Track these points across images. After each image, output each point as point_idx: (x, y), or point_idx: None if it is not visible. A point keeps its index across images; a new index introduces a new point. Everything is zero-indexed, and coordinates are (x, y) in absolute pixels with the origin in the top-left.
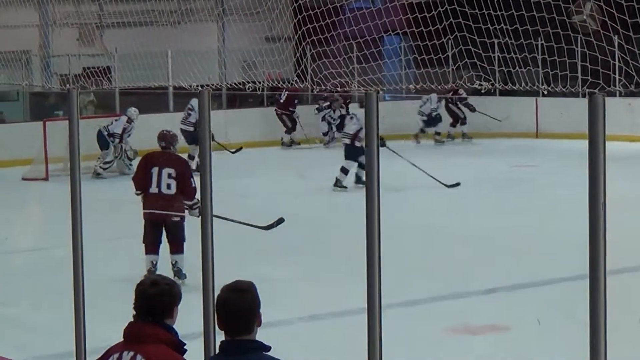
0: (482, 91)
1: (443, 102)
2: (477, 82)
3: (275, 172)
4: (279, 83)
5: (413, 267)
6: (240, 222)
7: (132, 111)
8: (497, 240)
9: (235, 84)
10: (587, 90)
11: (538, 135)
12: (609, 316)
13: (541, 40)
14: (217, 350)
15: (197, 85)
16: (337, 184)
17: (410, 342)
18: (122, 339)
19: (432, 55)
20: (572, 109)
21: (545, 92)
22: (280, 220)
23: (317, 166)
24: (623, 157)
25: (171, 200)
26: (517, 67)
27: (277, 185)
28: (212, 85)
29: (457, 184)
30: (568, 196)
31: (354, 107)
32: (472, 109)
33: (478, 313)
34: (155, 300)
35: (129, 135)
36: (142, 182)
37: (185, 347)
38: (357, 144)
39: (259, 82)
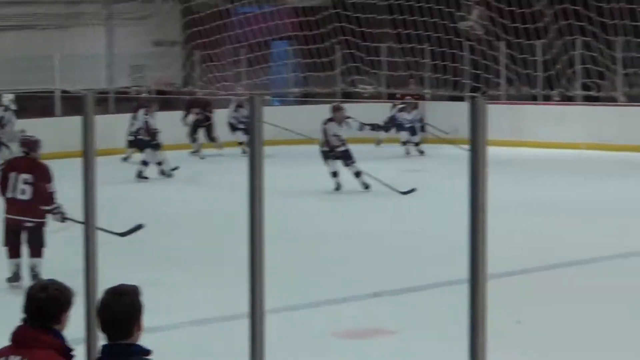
0: (365, 95)
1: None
2: (361, 86)
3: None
4: (166, 87)
5: (300, 272)
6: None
7: (8, 100)
8: (384, 244)
9: (121, 88)
10: (468, 94)
11: (427, 140)
12: (492, 320)
13: (429, 45)
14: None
15: (82, 89)
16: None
17: (296, 346)
18: (9, 343)
19: (318, 59)
20: (459, 113)
21: (429, 97)
22: (138, 227)
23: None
24: (505, 162)
25: (26, 205)
26: (403, 72)
27: (166, 190)
28: (98, 89)
29: (413, 190)
30: (454, 200)
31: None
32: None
33: (365, 317)
34: (43, 305)
35: (9, 125)
36: (2, 187)
37: (72, 352)
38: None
39: (145, 86)
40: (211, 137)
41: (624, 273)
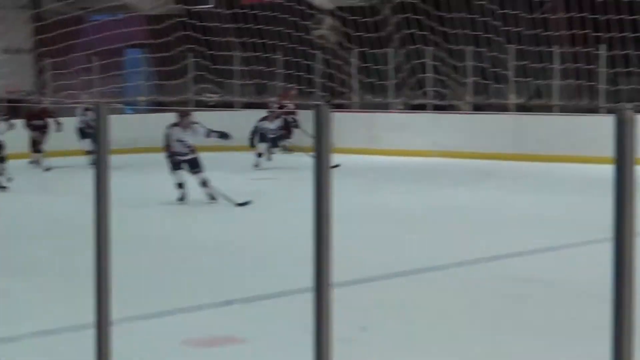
0: (210, 103)
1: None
2: (206, 95)
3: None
4: (15, 94)
5: (148, 281)
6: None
7: None
8: (232, 253)
9: None
10: (313, 102)
11: None
12: (338, 327)
13: (280, 55)
14: None
15: None
16: None
17: (144, 356)
18: None
19: (170, 67)
20: (310, 123)
21: (276, 106)
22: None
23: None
24: (359, 169)
25: None
26: (257, 80)
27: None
28: None
29: (248, 202)
30: (301, 209)
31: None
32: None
33: (215, 325)
34: None
35: None
36: None
37: None
38: None
39: None
40: (38, 149)
41: (469, 280)
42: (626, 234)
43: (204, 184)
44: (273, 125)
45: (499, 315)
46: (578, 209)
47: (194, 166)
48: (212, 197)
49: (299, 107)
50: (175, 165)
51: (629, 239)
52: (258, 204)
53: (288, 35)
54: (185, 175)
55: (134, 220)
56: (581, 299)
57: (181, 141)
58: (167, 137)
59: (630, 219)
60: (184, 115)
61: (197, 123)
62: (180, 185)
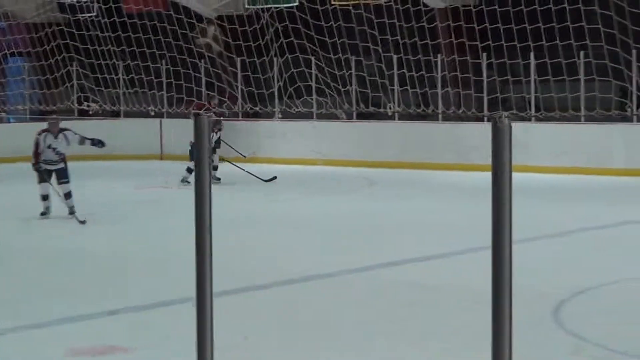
0: (90, 112)
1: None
2: (85, 104)
3: None
4: None
5: (28, 292)
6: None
7: None
8: (116, 262)
9: None
10: (193, 111)
11: (163, 157)
12: (221, 336)
13: (165, 64)
14: None
15: None
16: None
17: None
18: None
19: (50, 76)
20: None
21: (153, 114)
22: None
23: None
24: (242, 179)
25: None
26: (141, 89)
27: None
28: None
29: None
30: (190, 218)
31: None
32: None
33: (99, 335)
34: None
35: None
36: None
37: None
38: None
39: None
40: None
41: (356, 287)
42: (503, 239)
43: (68, 195)
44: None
45: (385, 321)
46: (463, 216)
47: (62, 176)
48: (72, 212)
49: (221, 116)
50: (43, 175)
51: (507, 244)
52: (141, 213)
53: (171, 45)
54: (50, 187)
55: (20, 231)
56: (467, 304)
57: (53, 148)
58: (37, 144)
59: (507, 224)
60: (53, 121)
61: (68, 130)
62: (45, 198)
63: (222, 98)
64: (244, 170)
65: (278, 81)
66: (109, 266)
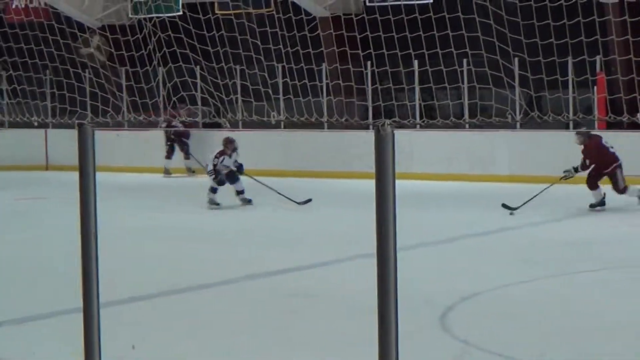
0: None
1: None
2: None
3: None
4: None
5: None
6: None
7: None
8: (5, 272)
9: None
10: (77, 121)
11: (48, 167)
12: (111, 346)
13: (50, 74)
14: None
15: None
16: None
17: None
18: None
19: None
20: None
21: (36, 124)
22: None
23: None
24: (129, 188)
25: None
26: (24, 100)
27: None
28: None
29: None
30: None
31: None
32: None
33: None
34: None
35: None
36: None
37: None
38: None
39: None
40: None
41: (240, 297)
42: (388, 246)
43: None
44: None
45: (270, 330)
46: (346, 224)
47: None
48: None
49: (190, 125)
50: None
51: (392, 251)
52: (24, 223)
53: (55, 55)
54: None
55: None
56: (348, 312)
57: None
58: None
59: (391, 231)
60: None
61: None
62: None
63: (191, 107)
64: (275, 191)
65: (164, 90)
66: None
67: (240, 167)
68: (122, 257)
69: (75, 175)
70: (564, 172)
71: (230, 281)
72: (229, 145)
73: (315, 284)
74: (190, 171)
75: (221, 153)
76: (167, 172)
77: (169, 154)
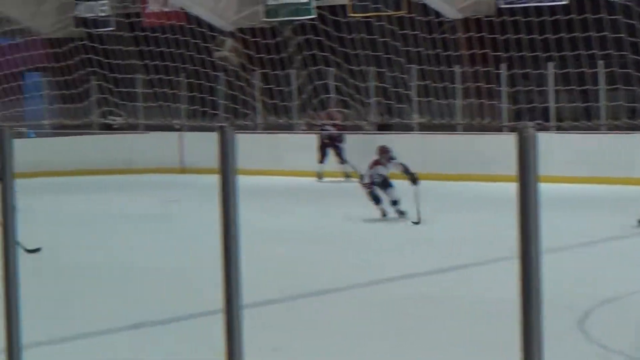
0: (115, 126)
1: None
2: (110, 117)
3: None
4: None
5: (57, 305)
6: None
7: None
8: (143, 275)
9: None
10: (217, 124)
11: (183, 170)
12: (250, 348)
13: (183, 77)
14: None
15: None
16: None
17: None
18: None
19: (72, 91)
20: (215, 144)
21: (178, 127)
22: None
23: None
24: (263, 190)
25: None
26: (160, 103)
27: None
28: None
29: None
30: (210, 230)
31: None
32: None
33: (125, 349)
34: None
35: None
36: None
37: None
38: None
39: None
40: None
41: (377, 299)
42: (532, 251)
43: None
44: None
45: (406, 334)
46: (483, 227)
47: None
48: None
49: (343, 128)
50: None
51: (535, 255)
52: (165, 226)
53: (190, 58)
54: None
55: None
56: (484, 316)
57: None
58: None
59: (535, 235)
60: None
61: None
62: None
63: (342, 110)
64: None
65: (302, 93)
66: (129, 279)
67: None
68: (261, 259)
69: (211, 178)
70: None
71: (362, 285)
72: (384, 155)
73: (452, 288)
74: (347, 176)
75: (375, 163)
76: (319, 176)
77: (322, 158)
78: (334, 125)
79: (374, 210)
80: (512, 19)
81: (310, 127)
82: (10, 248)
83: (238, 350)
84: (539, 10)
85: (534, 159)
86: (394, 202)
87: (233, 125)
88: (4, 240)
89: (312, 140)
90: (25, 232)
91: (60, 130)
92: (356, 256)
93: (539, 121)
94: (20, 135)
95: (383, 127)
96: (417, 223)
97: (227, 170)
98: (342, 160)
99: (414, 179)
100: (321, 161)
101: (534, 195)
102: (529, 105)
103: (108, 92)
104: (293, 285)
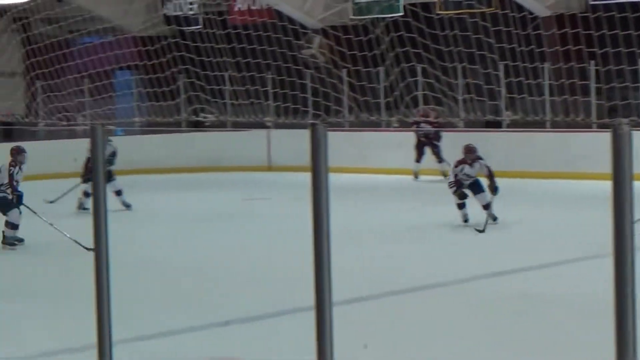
0: (207, 124)
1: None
2: (202, 115)
3: None
4: (8, 117)
5: (149, 302)
6: None
7: None
8: (231, 273)
9: None
10: (309, 121)
11: (271, 168)
12: (340, 345)
13: (271, 74)
14: None
15: None
16: None
17: None
18: None
19: (161, 89)
20: (304, 142)
21: (270, 125)
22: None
23: None
24: (349, 188)
25: None
26: (247, 100)
27: None
28: None
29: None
30: (299, 228)
31: None
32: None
33: (214, 346)
34: None
35: None
36: None
37: None
38: None
39: None
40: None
41: (471, 297)
42: (626, 248)
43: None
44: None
45: (501, 332)
46: (574, 225)
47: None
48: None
49: (439, 126)
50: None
51: (629, 253)
52: (253, 224)
53: (278, 55)
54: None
55: (136, 241)
56: (582, 315)
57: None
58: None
59: (629, 233)
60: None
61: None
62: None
63: (435, 107)
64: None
65: (394, 90)
66: (219, 277)
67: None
68: (352, 257)
69: (299, 175)
70: None
71: (461, 281)
72: (470, 154)
73: (541, 285)
74: (444, 175)
75: (461, 162)
76: (415, 175)
77: (419, 157)
78: (431, 123)
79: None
80: (606, 14)
81: (404, 125)
82: (102, 245)
83: (329, 347)
84: (634, 6)
85: (629, 156)
86: (486, 206)
87: (324, 123)
88: (95, 235)
89: (400, 137)
90: (118, 230)
91: (148, 127)
92: (446, 254)
93: (634, 117)
94: (109, 133)
95: (490, 124)
96: (481, 231)
97: (319, 168)
98: (440, 159)
99: (494, 188)
100: (418, 160)
101: (629, 194)
102: (623, 102)
103: (199, 89)
104: (383, 282)
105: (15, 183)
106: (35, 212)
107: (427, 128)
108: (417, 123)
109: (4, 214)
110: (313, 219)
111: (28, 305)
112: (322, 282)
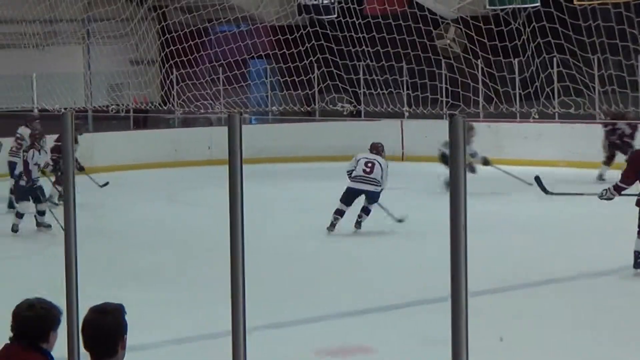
0: (345, 113)
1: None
2: (340, 105)
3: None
4: (145, 105)
5: (280, 290)
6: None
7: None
8: (358, 264)
9: (99, 106)
10: (447, 112)
11: (404, 158)
12: (474, 337)
13: (406, 64)
14: None
15: (61, 108)
16: None
17: None
18: None
19: (296, 78)
20: (437, 132)
21: (407, 115)
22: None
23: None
24: (484, 180)
25: None
26: (381, 90)
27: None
28: (76, 107)
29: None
30: (435, 219)
31: None
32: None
33: (346, 334)
34: (30, 323)
35: None
36: None
37: None
38: None
39: (124, 105)
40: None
41: (601, 291)
42: None
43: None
44: None
45: (608, 327)
46: None
47: None
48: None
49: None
50: None
51: None
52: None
53: (414, 44)
54: None
55: (263, 231)
56: None
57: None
58: None
59: None
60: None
61: None
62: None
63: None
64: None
65: (534, 82)
66: (351, 267)
67: None
68: (487, 248)
69: (432, 166)
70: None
71: (575, 277)
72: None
73: None
74: None
75: None
76: (600, 177)
77: (609, 160)
78: (628, 124)
79: None
80: None
81: (543, 117)
82: (237, 235)
83: (463, 339)
84: None
85: None
86: None
87: (462, 114)
88: (231, 225)
89: (541, 128)
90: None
91: (281, 117)
92: (584, 247)
93: None
94: (243, 121)
95: None
96: None
97: (457, 159)
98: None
99: None
100: (607, 163)
101: None
102: None
103: (334, 78)
104: (518, 274)
105: (36, 166)
106: (37, 206)
107: (624, 129)
108: (612, 124)
109: (17, 202)
110: (450, 211)
111: (166, 294)
112: (458, 273)
